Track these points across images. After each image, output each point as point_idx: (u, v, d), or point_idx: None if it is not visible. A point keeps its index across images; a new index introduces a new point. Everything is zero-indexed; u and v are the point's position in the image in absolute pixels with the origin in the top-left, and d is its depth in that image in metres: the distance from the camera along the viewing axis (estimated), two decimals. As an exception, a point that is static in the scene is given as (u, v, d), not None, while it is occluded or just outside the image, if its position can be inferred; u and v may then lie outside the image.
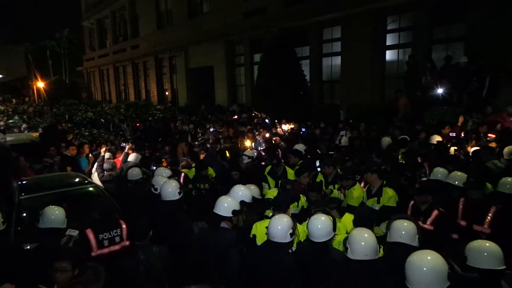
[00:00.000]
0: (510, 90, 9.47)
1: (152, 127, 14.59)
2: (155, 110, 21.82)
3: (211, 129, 11.92)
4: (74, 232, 3.37)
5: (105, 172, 6.28)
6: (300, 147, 6.80)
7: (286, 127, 10.90)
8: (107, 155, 6.93)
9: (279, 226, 3.12)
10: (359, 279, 2.72)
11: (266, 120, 12.42)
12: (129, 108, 22.79)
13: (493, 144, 6.31)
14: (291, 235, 3.12)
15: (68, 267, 2.68)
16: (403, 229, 2.95)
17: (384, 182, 4.72)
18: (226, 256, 3.43)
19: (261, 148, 8.42)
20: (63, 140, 9.46)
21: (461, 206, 4.07)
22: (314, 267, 3.10)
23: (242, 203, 3.88)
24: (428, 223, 3.91)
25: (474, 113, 8.98)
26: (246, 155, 6.50)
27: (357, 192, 4.86)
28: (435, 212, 3.90)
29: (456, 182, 4.38)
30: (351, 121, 11.22)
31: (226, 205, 3.60)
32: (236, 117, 14.61)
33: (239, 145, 9.15)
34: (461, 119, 8.73)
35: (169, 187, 4.26)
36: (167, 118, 16.96)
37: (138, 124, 15.59)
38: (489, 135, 7.27)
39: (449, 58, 10.55)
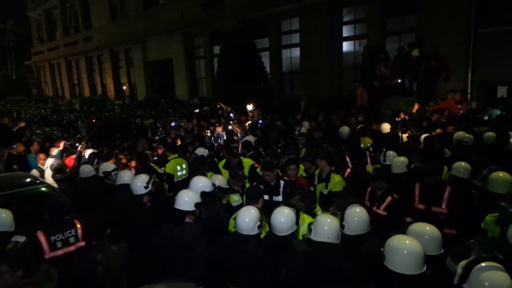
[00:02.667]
0: (453, 78, 10.11)
1: (110, 123, 14.05)
2: (112, 106, 20.94)
3: (172, 124, 11.62)
4: (21, 238, 3.15)
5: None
6: (250, 138, 6.85)
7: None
8: (54, 152, 6.66)
9: (246, 218, 3.11)
10: (319, 261, 2.80)
11: (231, 114, 12.32)
12: (84, 104, 21.70)
13: (439, 130, 6.67)
14: (259, 227, 3.13)
15: (4, 269, 2.59)
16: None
17: (333, 168, 4.95)
18: (193, 251, 3.38)
19: (221, 141, 8.37)
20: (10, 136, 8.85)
21: (417, 191, 4.24)
22: (277, 259, 3.14)
23: (203, 194, 3.85)
24: (381, 208, 4.09)
25: (430, 101, 9.51)
26: (196, 154, 6.22)
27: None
28: (389, 198, 4.08)
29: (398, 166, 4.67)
30: (312, 112, 11.43)
31: (187, 199, 3.53)
32: (197, 110, 14.37)
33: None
34: (416, 106, 9.18)
35: (138, 181, 4.14)
36: (124, 113, 16.34)
37: (94, 120, 14.93)
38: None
39: (401, 49, 11.02)
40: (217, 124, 10.05)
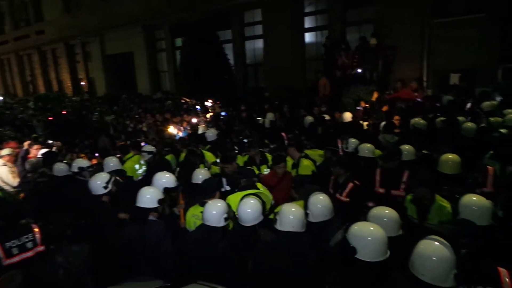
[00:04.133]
0: (406, 67, 10.55)
1: (68, 120, 13.43)
2: (70, 102, 20.02)
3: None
4: None
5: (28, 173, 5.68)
6: (212, 132, 6.84)
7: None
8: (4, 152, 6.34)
9: (213, 210, 3.12)
10: (285, 250, 2.84)
11: (197, 107, 12.12)
12: (39, 101, 20.59)
13: (397, 117, 6.95)
14: (225, 219, 3.13)
15: None
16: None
17: (303, 155, 5.06)
18: (158, 249, 3.33)
19: (185, 135, 8.25)
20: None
21: (378, 175, 4.41)
22: (244, 250, 3.15)
23: (166, 190, 3.79)
24: (344, 195, 4.19)
25: (387, 90, 9.85)
26: (145, 151, 5.95)
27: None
28: (350, 185, 4.19)
29: (366, 152, 4.85)
30: (276, 102, 11.50)
31: (149, 196, 3.47)
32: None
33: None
34: (375, 95, 9.49)
35: (97, 180, 3.98)
36: (82, 109, 15.64)
37: (51, 118, 14.19)
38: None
39: (363, 39, 11.28)
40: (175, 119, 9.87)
